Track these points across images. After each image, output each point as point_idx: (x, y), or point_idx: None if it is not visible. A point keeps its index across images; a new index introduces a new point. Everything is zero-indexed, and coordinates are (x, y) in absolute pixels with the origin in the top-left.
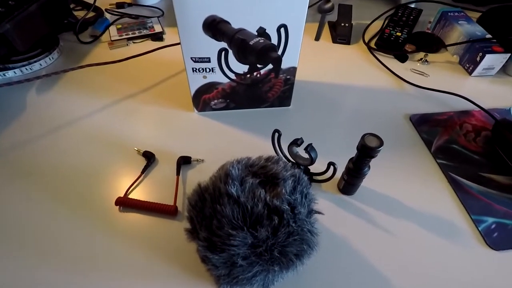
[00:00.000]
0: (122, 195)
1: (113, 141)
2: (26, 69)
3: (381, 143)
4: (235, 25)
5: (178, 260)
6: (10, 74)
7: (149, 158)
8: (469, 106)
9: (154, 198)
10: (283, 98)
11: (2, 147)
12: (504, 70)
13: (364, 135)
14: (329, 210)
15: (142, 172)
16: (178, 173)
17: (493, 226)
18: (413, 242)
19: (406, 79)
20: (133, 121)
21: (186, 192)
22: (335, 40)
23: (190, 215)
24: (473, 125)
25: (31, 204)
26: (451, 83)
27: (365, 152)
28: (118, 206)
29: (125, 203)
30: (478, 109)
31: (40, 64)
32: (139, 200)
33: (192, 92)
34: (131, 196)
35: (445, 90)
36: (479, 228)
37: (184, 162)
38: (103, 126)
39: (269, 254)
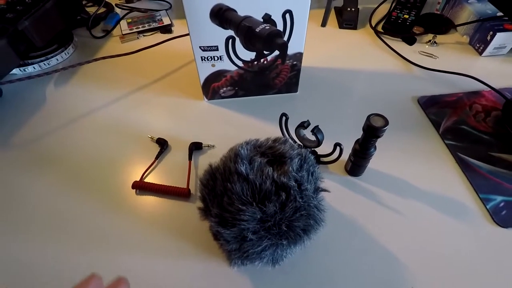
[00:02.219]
0: (138, 180)
1: (128, 129)
2: (44, 64)
3: (386, 122)
4: (241, 12)
5: (192, 239)
6: (29, 69)
7: (162, 144)
8: (479, 87)
9: (168, 181)
10: (290, 84)
11: (26, 137)
12: None
13: (370, 115)
14: (337, 191)
15: (156, 158)
16: (190, 158)
17: (502, 204)
18: (421, 222)
19: (414, 61)
20: (146, 111)
21: (198, 175)
22: (341, 25)
23: (202, 194)
24: (483, 105)
25: (54, 190)
26: (461, 64)
27: (371, 132)
28: (134, 190)
29: (141, 187)
30: (488, 89)
31: (57, 59)
32: (154, 184)
33: (202, 80)
34: (146, 180)
35: (454, 71)
36: (487, 207)
37: (195, 148)
38: (118, 115)
39: (277, 229)
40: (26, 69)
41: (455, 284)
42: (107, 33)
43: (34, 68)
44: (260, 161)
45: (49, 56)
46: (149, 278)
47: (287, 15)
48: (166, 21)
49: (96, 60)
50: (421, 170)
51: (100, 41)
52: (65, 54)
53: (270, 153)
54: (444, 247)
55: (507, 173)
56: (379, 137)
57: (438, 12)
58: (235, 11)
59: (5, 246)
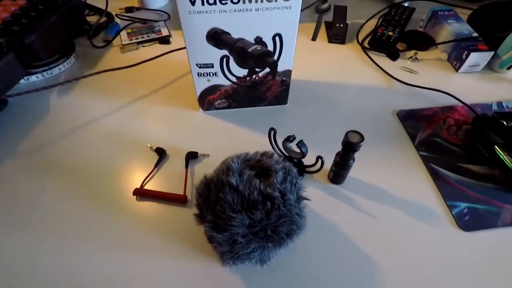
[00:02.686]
0: (138, 187)
1: (128, 139)
2: (47, 73)
3: (362, 139)
4: (235, 35)
5: (188, 241)
6: (33, 78)
7: (161, 153)
8: (453, 102)
9: (166, 188)
10: (280, 98)
11: (31, 146)
12: (489, 66)
13: (347, 132)
14: (320, 198)
15: (155, 166)
16: (186, 167)
17: (465, 210)
18: (394, 226)
19: (396, 77)
20: (145, 120)
21: (194, 183)
22: (330, 40)
23: (198, 202)
24: (456, 119)
25: (57, 196)
26: (439, 80)
27: (349, 147)
28: (135, 196)
29: (142, 193)
30: (461, 104)
31: (59, 69)
32: (153, 191)
33: (198, 93)
34: (146, 187)
35: (431, 87)
36: (453, 212)
37: (191, 157)
38: (119, 125)
39: (263, 233)
40: (29, 78)
41: (422, 283)
42: (108, 43)
43: (38, 77)
44: (249, 174)
45: (52, 65)
46: (149, 277)
47: (277, 38)
48: (165, 32)
49: (98, 73)
50: (397, 179)
51: (101, 51)
52: (67, 63)
53: (258, 167)
54: (414, 250)
55: (472, 182)
56: (356, 151)
57: (421, 29)
58: (229, 34)
59: (11, 248)
